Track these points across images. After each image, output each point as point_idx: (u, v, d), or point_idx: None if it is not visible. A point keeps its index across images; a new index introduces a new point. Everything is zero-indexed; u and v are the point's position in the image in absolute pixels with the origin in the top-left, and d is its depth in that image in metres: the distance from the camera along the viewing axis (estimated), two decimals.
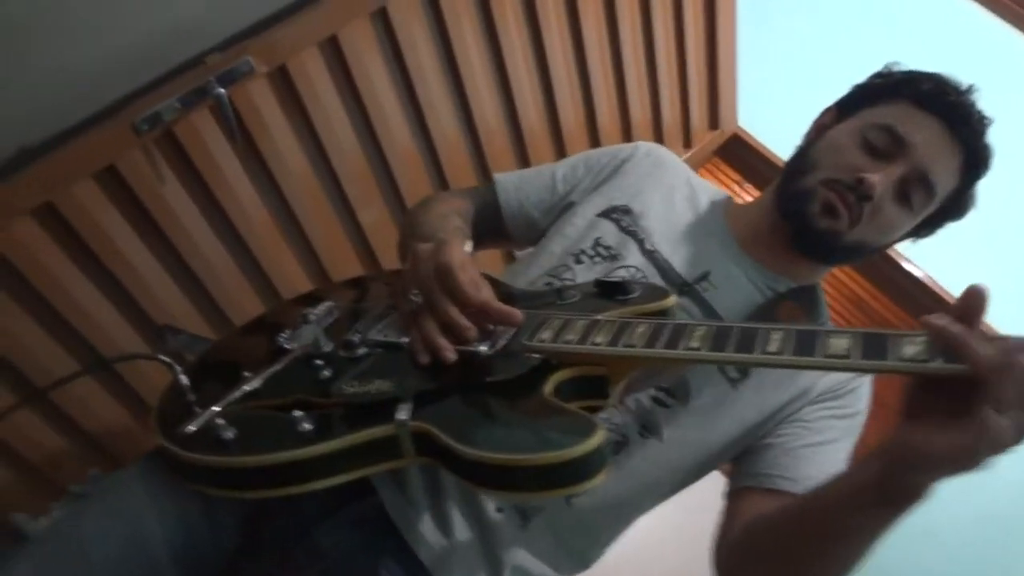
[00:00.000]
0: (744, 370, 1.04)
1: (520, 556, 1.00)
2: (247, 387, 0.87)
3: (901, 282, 2.54)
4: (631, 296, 0.93)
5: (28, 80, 1.29)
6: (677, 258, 1.09)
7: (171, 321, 1.52)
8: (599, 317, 0.85)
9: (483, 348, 0.84)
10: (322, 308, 1.00)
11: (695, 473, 1.08)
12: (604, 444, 0.71)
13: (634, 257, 1.09)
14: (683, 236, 1.12)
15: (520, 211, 1.24)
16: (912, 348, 0.67)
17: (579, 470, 0.71)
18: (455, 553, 0.96)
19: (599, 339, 0.81)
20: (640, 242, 1.11)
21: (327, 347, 0.94)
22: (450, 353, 0.84)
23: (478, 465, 0.73)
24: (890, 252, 2.52)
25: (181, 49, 1.42)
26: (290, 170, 1.58)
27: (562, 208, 1.21)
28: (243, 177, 1.53)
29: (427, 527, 0.96)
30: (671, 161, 1.25)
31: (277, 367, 0.90)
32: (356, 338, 0.93)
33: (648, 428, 1.02)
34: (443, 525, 0.96)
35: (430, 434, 0.77)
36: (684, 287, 1.07)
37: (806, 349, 0.71)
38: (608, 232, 1.12)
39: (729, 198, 1.22)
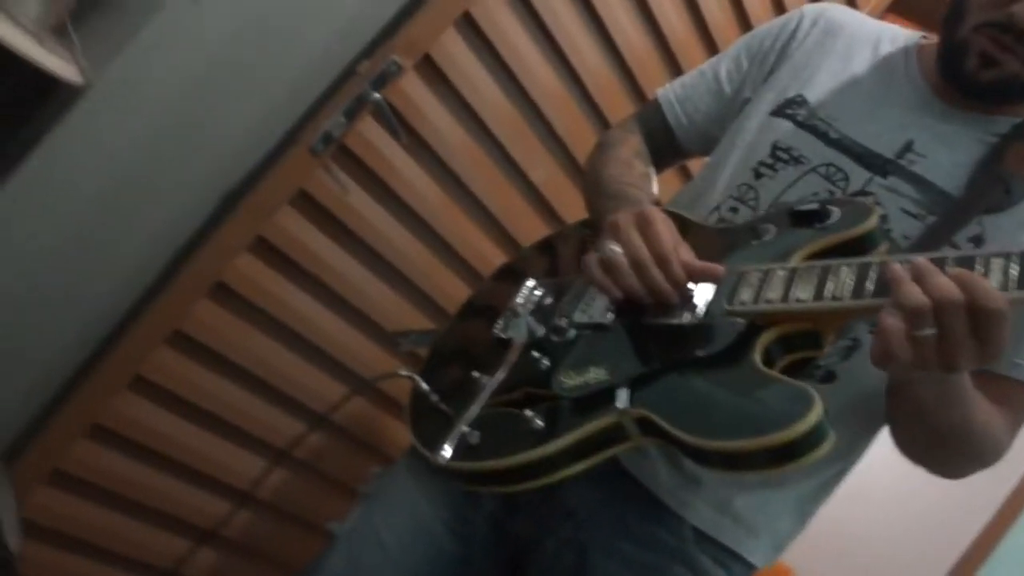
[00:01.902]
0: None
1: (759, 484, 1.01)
2: (486, 393, 0.94)
3: None
4: (830, 222, 0.88)
5: (220, 133, 1.44)
6: (870, 135, 1.00)
7: (390, 322, 1.64)
8: (799, 265, 0.82)
9: (686, 318, 0.85)
10: (526, 292, 1.05)
11: None
12: (823, 416, 0.70)
13: (820, 154, 1.01)
14: (872, 106, 1.02)
15: (692, 126, 1.18)
16: None
17: (801, 446, 0.70)
18: (695, 488, 0.98)
19: (802, 294, 0.78)
20: (823, 135, 1.02)
21: (540, 332, 0.98)
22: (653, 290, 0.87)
23: (700, 450, 0.75)
24: None
25: (332, 68, 1.51)
26: (455, 149, 1.63)
27: (736, 110, 1.14)
28: (416, 168, 1.60)
29: (662, 470, 0.99)
30: (845, 19, 1.13)
31: (504, 370, 0.96)
32: (564, 322, 0.96)
33: None
34: (677, 464, 0.98)
35: (650, 420, 0.80)
36: (887, 165, 0.98)
37: None
38: (785, 132, 1.04)
39: (922, 41, 1.09)
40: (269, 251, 1.49)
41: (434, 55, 1.52)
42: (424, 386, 1.03)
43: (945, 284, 0.68)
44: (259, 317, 1.51)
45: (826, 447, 0.71)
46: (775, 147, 1.04)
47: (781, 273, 0.82)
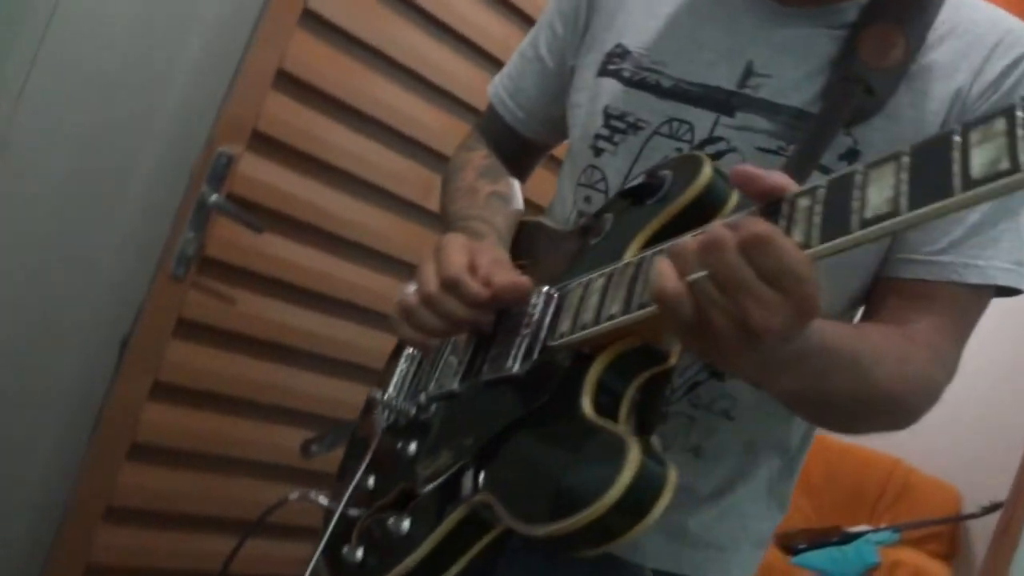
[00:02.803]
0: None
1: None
2: (343, 501, 0.84)
3: None
4: (664, 191, 0.73)
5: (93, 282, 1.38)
6: (704, 69, 0.84)
7: (336, 410, 1.53)
8: (616, 266, 0.69)
9: (516, 367, 0.72)
10: (403, 364, 0.94)
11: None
12: (644, 463, 0.58)
13: (657, 111, 0.85)
14: (698, 32, 0.86)
15: (531, 117, 1.03)
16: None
17: (636, 506, 0.58)
18: None
19: (615, 307, 0.64)
20: (654, 87, 0.86)
21: (412, 413, 0.86)
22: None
23: (541, 540, 0.64)
24: None
25: (169, 188, 1.41)
26: (331, 212, 1.51)
27: (567, 83, 0.98)
28: (300, 249, 1.48)
29: None
30: None
31: (362, 471, 0.86)
32: (423, 398, 0.86)
33: None
34: None
35: (493, 506, 0.69)
36: (731, 99, 0.82)
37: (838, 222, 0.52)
38: (614, 95, 0.89)
39: None
40: (173, 391, 1.39)
41: (263, 127, 1.40)
42: (322, 500, 0.91)
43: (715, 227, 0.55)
44: (187, 461, 1.42)
45: (667, 492, 0.58)
46: (607, 115, 0.89)
47: (599, 282, 0.68)
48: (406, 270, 1.60)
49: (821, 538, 3.27)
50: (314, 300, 1.51)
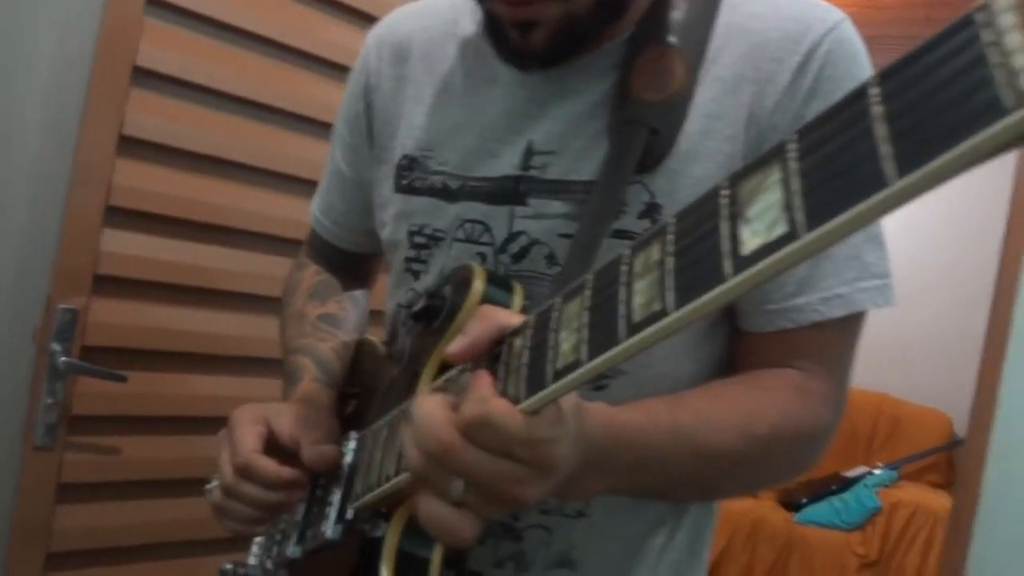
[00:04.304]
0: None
1: None
2: None
3: None
4: (445, 311, 0.66)
5: None
6: (488, 160, 0.75)
7: None
8: (395, 414, 0.64)
9: (327, 533, 0.68)
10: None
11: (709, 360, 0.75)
12: None
13: (450, 216, 0.77)
14: (474, 120, 0.78)
15: (349, 233, 0.96)
16: None
17: None
18: None
19: (390, 465, 0.60)
20: (442, 192, 0.78)
21: None
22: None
23: None
24: None
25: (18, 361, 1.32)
26: (204, 330, 1.42)
27: (371, 196, 0.90)
28: (173, 378, 1.40)
29: None
30: (407, 24, 0.86)
31: None
32: (269, 564, 0.81)
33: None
34: None
35: None
36: (520, 187, 0.73)
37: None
38: (411, 209, 0.81)
39: None
40: (70, 558, 1.33)
41: (103, 269, 1.30)
42: None
43: (429, 429, 0.49)
44: None
45: None
46: (409, 233, 0.81)
47: (383, 433, 0.65)
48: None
49: (821, 488, 3.23)
50: (199, 426, 1.42)
